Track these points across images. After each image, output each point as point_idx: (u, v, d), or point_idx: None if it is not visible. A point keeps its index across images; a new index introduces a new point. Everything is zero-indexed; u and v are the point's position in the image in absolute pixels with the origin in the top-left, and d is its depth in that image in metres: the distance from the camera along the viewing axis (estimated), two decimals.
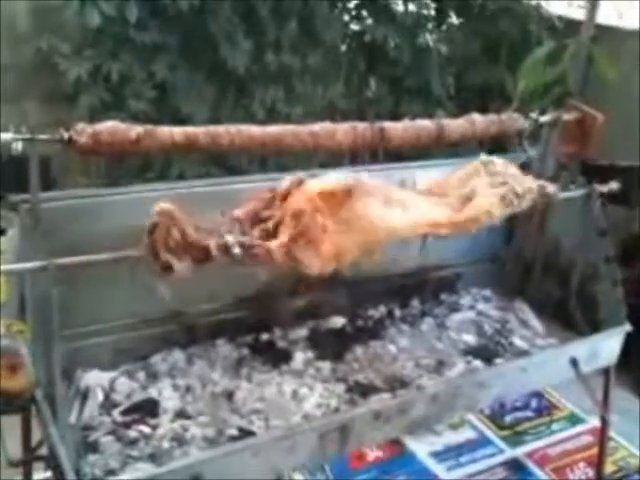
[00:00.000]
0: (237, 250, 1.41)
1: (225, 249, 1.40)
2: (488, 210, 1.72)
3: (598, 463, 2.34)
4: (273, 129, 1.54)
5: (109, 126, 1.39)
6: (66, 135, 1.35)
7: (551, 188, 1.86)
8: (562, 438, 2.71)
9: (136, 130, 1.40)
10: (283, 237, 1.46)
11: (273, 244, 1.45)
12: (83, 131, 1.35)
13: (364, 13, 3.99)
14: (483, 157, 1.83)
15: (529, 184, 1.82)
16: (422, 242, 1.72)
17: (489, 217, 1.73)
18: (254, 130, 1.52)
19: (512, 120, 1.92)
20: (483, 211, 1.72)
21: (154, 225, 1.34)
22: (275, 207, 1.51)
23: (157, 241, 1.34)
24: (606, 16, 3.95)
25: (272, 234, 1.47)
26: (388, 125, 1.67)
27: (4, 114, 3.00)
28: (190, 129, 1.47)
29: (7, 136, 1.30)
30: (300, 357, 1.91)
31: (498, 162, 1.82)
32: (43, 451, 1.65)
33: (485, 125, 1.84)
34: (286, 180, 1.52)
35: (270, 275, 1.80)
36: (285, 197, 1.51)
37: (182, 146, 1.46)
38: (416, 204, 1.68)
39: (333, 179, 1.54)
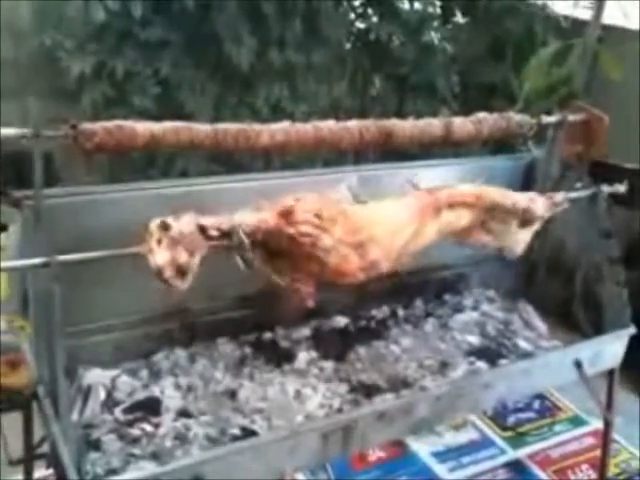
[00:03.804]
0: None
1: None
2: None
3: (601, 465, 2.33)
4: (278, 128, 1.52)
5: (115, 128, 1.36)
6: (71, 133, 1.33)
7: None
8: (564, 440, 2.70)
9: (144, 135, 1.38)
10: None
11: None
12: (89, 133, 1.33)
13: (369, 11, 3.97)
14: (529, 204, 1.81)
15: (517, 251, 1.87)
16: None
17: None
18: (260, 131, 1.50)
19: (517, 120, 1.91)
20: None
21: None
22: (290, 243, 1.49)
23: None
24: (612, 16, 3.94)
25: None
26: (395, 124, 1.66)
27: (6, 109, 2.99)
28: (196, 130, 1.44)
29: (12, 132, 1.28)
30: (303, 357, 1.90)
31: (539, 212, 1.81)
32: (44, 449, 1.65)
33: (491, 125, 1.83)
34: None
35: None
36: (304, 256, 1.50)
37: (188, 148, 1.44)
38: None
39: (351, 272, 1.55)
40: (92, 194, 1.69)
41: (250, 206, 1.47)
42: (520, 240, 1.85)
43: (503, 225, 1.78)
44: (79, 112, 3.17)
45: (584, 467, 2.55)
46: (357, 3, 3.98)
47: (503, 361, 2.00)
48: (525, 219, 1.79)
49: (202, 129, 1.45)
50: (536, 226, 1.86)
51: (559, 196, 1.87)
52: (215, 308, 1.89)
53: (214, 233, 1.39)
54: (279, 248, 1.46)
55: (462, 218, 1.72)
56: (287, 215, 1.43)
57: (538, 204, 1.81)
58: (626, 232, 2.72)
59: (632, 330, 2.02)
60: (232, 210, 1.48)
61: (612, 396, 2.11)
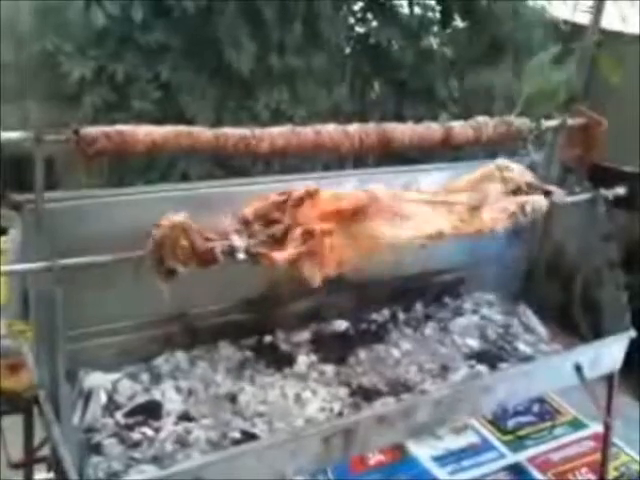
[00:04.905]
0: (242, 255, 1.41)
1: (230, 253, 1.41)
2: (493, 227, 1.74)
3: (600, 469, 2.33)
4: (279, 134, 1.52)
5: (117, 134, 1.36)
6: (73, 138, 1.33)
7: (559, 194, 1.86)
8: (564, 443, 2.70)
9: (145, 141, 1.38)
10: (290, 251, 1.48)
11: (279, 256, 1.46)
12: (91, 138, 1.33)
13: (369, 16, 3.98)
14: (499, 161, 1.83)
15: (541, 202, 1.82)
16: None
17: (493, 231, 1.75)
18: (260, 137, 1.50)
19: (517, 125, 1.92)
20: (488, 226, 1.74)
21: (163, 237, 1.34)
22: (286, 212, 1.50)
23: (165, 251, 1.34)
24: (610, 21, 3.95)
25: (279, 240, 1.47)
26: (395, 129, 1.66)
27: (6, 113, 3.00)
28: (197, 136, 1.44)
29: (14, 135, 1.28)
30: (303, 360, 1.90)
31: (514, 168, 1.81)
32: (44, 452, 1.65)
33: (491, 129, 1.83)
34: (301, 188, 1.52)
35: (273, 278, 1.81)
36: (298, 204, 1.50)
37: (189, 152, 1.44)
38: (423, 215, 1.68)
39: (348, 195, 1.54)
40: (93, 198, 1.69)
41: None
42: (539, 201, 1.84)
43: (503, 193, 1.79)
44: (79, 116, 3.17)
45: (584, 470, 2.55)
46: (357, 7, 3.99)
47: (503, 365, 2.00)
48: (505, 176, 1.79)
49: (203, 135, 1.44)
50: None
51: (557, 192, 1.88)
52: (216, 312, 1.89)
53: (212, 236, 1.41)
54: (276, 228, 1.48)
55: (455, 204, 1.74)
56: None
57: (506, 161, 1.85)
58: (626, 235, 2.72)
59: (632, 334, 2.03)
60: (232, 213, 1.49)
61: (612, 400, 2.11)
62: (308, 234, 1.48)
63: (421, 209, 1.68)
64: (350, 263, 1.55)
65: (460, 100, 4.11)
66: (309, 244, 1.48)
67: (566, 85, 3.38)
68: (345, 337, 2.04)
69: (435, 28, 4.14)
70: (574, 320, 2.17)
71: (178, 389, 1.74)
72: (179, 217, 1.36)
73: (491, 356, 2.04)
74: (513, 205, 1.76)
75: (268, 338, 1.97)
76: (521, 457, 2.60)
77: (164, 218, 1.35)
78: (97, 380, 1.70)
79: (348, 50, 4.02)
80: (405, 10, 4.01)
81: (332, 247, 1.50)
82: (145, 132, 1.39)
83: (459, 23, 4.23)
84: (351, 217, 1.54)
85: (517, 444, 2.67)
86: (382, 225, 1.58)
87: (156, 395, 1.71)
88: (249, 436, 1.60)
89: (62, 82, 3.25)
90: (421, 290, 2.25)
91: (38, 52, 3.27)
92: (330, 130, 1.60)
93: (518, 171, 1.80)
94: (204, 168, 3.29)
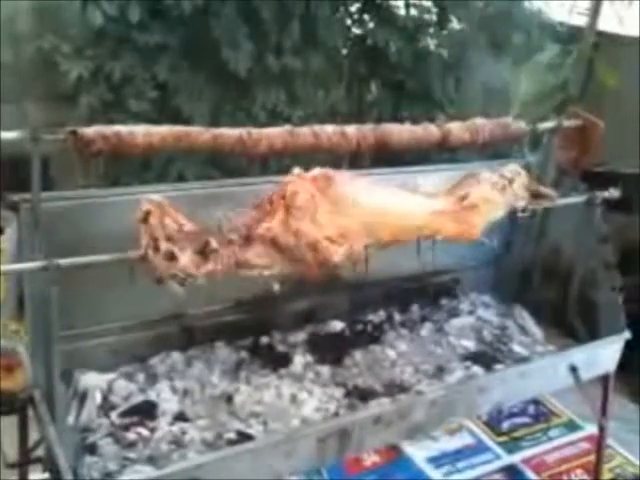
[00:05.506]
0: (236, 236, 1.41)
1: (229, 242, 1.41)
2: (485, 197, 1.75)
3: (595, 470, 2.34)
4: (277, 135, 1.52)
5: (115, 135, 1.36)
6: (71, 138, 1.33)
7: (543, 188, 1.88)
8: (559, 445, 2.71)
9: (143, 142, 1.38)
10: (279, 214, 1.48)
11: (273, 222, 1.46)
12: (89, 139, 1.33)
13: (366, 17, 3.98)
14: (468, 170, 1.84)
15: (516, 167, 1.86)
16: (432, 243, 1.72)
17: (488, 203, 1.75)
18: (258, 138, 1.50)
19: (513, 126, 1.92)
20: (480, 198, 1.74)
21: (147, 213, 1.34)
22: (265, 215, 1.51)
23: (154, 229, 1.33)
24: (607, 23, 3.96)
25: None
26: (392, 131, 1.66)
27: (4, 113, 3.00)
28: (195, 137, 1.44)
29: (11, 135, 1.28)
30: (299, 361, 1.91)
31: (484, 172, 1.83)
32: (39, 452, 1.65)
33: (488, 130, 1.84)
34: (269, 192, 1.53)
35: (270, 278, 1.80)
36: (272, 203, 1.51)
37: (187, 153, 1.45)
38: (411, 197, 1.69)
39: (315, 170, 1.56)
40: (90, 198, 1.70)
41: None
42: (513, 165, 1.89)
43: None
44: (76, 116, 3.17)
45: (578, 472, 2.55)
46: (354, 9, 3.99)
47: (498, 366, 2.01)
48: (480, 179, 1.82)
49: (201, 136, 1.45)
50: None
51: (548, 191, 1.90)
52: (212, 312, 1.89)
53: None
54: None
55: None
56: None
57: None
58: (621, 237, 2.73)
59: (627, 335, 2.03)
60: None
61: (607, 401, 2.12)
62: (284, 189, 1.48)
63: (407, 193, 1.68)
64: (355, 235, 1.54)
65: (457, 101, 4.11)
66: (288, 194, 1.47)
67: (562, 87, 3.40)
68: (341, 338, 2.05)
69: (432, 29, 4.14)
70: (570, 321, 2.18)
71: (174, 389, 1.74)
72: (155, 196, 1.37)
73: (487, 357, 2.05)
74: (495, 179, 1.78)
75: (264, 339, 1.97)
76: (516, 458, 2.61)
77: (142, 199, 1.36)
78: (92, 380, 1.70)
79: (345, 51, 4.02)
80: (402, 12, 4.01)
81: (313, 193, 1.50)
82: (142, 133, 1.39)
83: (456, 25, 4.23)
84: (323, 184, 1.53)
85: (512, 445, 2.68)
86: (359, 190, 1.58)
87: (152, 395, 1.71)
88: (244, 437, 1.60)
89: (60, 82, 3.24)
90: (417, 291, 2.25)
91: (36, 52, 3.27)
92: (328, 131, 1.60)
93: (486, 174, 1.81)
94: (200, 169, 3.28)
